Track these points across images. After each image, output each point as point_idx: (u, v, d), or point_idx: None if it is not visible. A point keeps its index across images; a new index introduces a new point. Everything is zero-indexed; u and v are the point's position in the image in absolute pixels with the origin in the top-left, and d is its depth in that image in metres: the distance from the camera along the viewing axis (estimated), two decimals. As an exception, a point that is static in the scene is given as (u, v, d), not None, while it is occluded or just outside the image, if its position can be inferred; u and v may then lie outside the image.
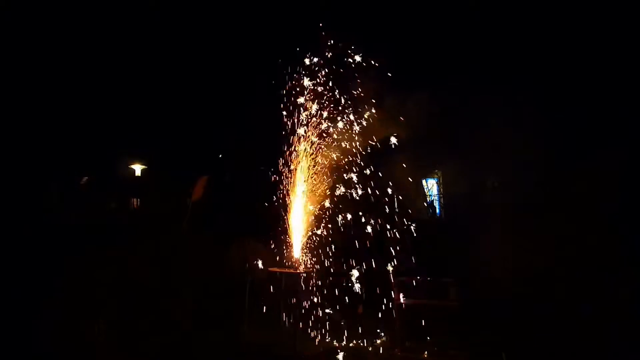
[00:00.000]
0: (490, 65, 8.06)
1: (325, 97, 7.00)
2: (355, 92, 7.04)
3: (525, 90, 7.84)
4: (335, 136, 7.02)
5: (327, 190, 7.10)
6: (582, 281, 5.11)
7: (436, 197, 12.17)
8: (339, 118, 7.06)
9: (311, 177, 7.04)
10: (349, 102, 7.05)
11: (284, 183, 7.02)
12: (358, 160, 7.20)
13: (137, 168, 11.00)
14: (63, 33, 8.59)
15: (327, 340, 7.63)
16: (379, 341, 7.71)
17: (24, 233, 7.35)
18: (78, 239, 7.13)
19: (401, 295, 7.14)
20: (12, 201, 7.76)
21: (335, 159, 7.07)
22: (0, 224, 7.22)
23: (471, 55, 8.12)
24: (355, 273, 7.89)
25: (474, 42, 7.97)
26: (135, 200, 10.76)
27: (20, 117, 8.39)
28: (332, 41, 6.93)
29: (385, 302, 7.61)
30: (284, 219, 7.02)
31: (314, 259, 7.27)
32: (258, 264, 8.31)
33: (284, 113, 7.04)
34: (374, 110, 7.17)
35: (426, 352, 6.58)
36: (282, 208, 7.00)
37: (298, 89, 7.02)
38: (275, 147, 7.08)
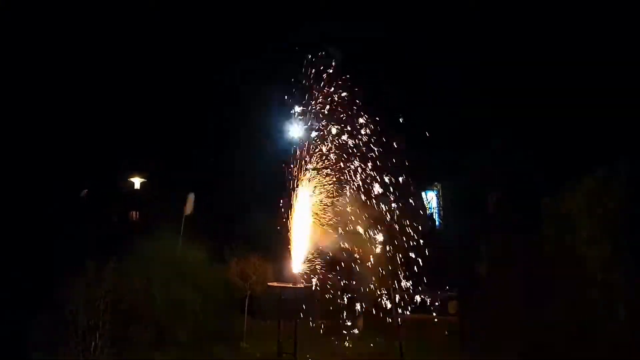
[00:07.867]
0: (492, 73, 8.14)
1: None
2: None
3: (528, 102, 7.89)
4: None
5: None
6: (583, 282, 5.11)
7: (435, 210, 12.18)
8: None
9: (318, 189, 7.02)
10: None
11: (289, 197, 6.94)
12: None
13: (137, 181, 11.04)
14: (67, 47, 8.68)
15: (328, 352, 7.57)
16: (379, 353, 7.66)
17: (24, 244, 7.34)
18: (77, 250, 7.08)
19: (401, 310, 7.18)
20: (12, 212, 7.76)
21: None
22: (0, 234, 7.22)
23: (470, 62, 8.21)
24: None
25: (476, 46, 8.06)
26: (134, 212, 10.77)
27: (23, 130, 8.43)
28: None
29: (386, 315, 7.59)
30: (287, 234, 6.95)
31: (315, 274, 7.22)
32: (257, 279, 8.29)
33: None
34: None
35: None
36: (285, 223, 6.91)
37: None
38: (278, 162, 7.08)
